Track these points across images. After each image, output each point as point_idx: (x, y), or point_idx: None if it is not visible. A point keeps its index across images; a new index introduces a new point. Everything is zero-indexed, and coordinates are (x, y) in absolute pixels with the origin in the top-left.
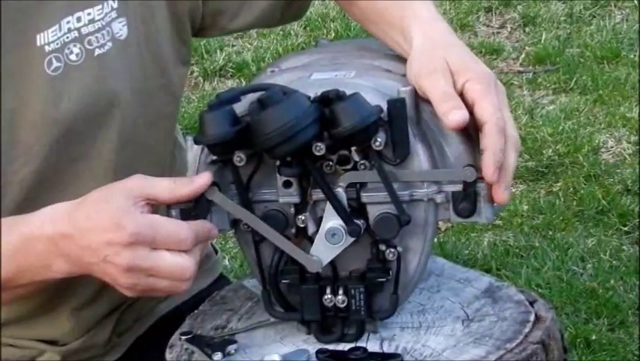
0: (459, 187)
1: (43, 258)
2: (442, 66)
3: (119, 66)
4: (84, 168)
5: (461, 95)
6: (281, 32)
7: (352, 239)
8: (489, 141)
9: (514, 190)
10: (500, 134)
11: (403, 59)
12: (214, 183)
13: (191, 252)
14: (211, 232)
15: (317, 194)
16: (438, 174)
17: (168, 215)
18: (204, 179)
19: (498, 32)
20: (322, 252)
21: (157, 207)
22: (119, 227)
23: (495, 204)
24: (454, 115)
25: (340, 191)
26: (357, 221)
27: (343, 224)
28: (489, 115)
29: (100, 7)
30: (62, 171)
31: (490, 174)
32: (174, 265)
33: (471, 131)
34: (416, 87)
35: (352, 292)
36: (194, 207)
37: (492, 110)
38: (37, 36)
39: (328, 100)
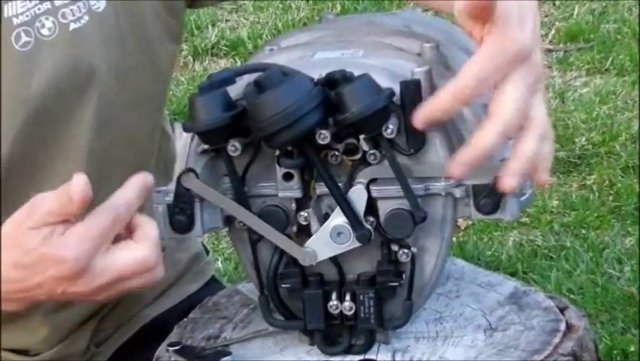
0: (482, 180)
1: None
2: None
3: (95, 41)
4: (56, 154)
5: None
6: (280, 6)
7: (359, 244)
8: (431, 100)
9: None
10: (451, 98)
11: (417, 36)
12: (190, 170)
13: (143, 237)
14: (146, 182)
15: (321, 188)
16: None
17: (154, 212)
18: (79, 181)
19: None
20: (320, 247)
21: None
22: (57, 262)
23: (521, 199)
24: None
25: (361, 188)
26: (368, 223)
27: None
28: (461, 74)
29: None
30: (33, 157)
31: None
32: (132, 264)
33: None
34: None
35: (361, 297)
36: (176, 202)
37: (469, 74)
38: (5, 6)
39: (334, 82)
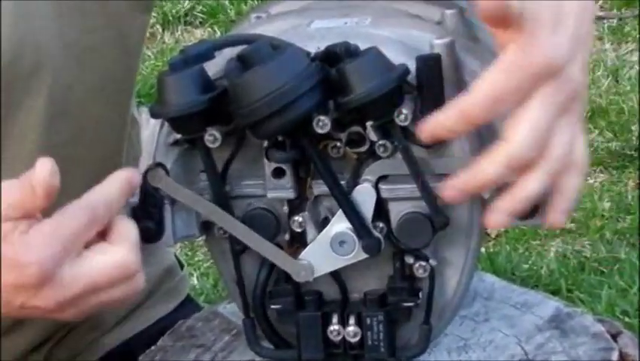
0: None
1: None
2: None
3: (47, 14)
4: (3, 150)
5: None
6: None
7: (366, 255)
8: (437, 115)
9: (591, 181)
10: (455, 116)
11: (436, 2)
12: (159, 165)
13: (120, 237)
14: (131, 180)
15: (319, 187)
16: None
17: None
18: (43, 169)
19: None
20: (319, 259)
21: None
22: (17, 266)
23: None
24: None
25: (368, 188)
26: (376, 231)
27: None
28: (470, 92)
29: None
30: None
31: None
32: (109, 269)
33: None
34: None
35: (368, 321)
36: (142, 204)
37: (479, 89)
38: None
39: (335, 57)
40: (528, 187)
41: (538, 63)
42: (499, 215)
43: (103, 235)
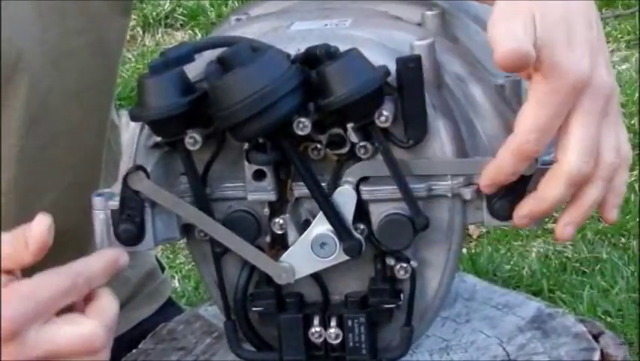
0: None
1: None
2: (525, 15)
3: (27, 17)
4: None
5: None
6: None
7: (347, 257)
8: (501, 153)
9: None
10: (517, 159)
11: (417, 3)
12: (139, 168)
13: (95, 312)
14: (118, 261)
15: (300, 189)
16: (474, 165)
17: (94, 220)
18: (41, 225)
19: None
20: (300, 261)
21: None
22: None
23: None
24: (507, 43)
25: (349, 189)
26: (356, 233)
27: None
28: (520, 129)
29: None
30: None
31: (481, 184)
32: (75, 340)
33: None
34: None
35: (349, 323)
36: (122, 207)
37: (528, 126)
38: None
39: (315, 59)
40: (590, 197)
41: (568, 84)
42: (570, 228)
43: (86, 302)
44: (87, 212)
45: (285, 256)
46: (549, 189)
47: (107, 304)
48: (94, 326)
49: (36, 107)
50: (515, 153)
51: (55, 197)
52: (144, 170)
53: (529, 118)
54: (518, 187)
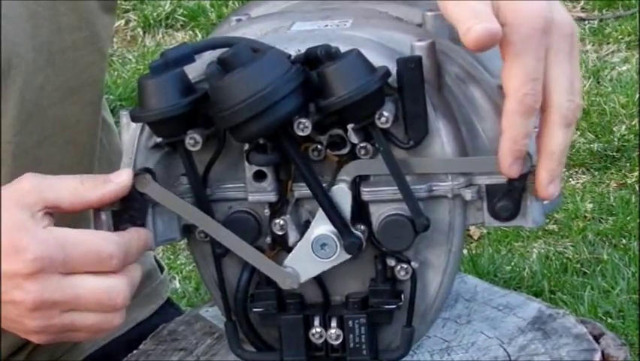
0: (499, 179)
1: None
2: None
3: (20, 15)
4: None
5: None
6: None
7: (348, 256)
8: (506, 123)
9: (573, 182)
10: (524, 116)
11: (417, 3)
12: (146, 170)
13: (123, 272)
14: (147, 242)
15: (300, 189)
16: (474, 163)
17: (95, 220)
18: (124, 177)
19: None
20: (302, 264)
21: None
22: (16, 251)
23: (545, 202)
24: (475, 30)
25: (344, 188)
26: (358, 232)
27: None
28: (513, 87)
29: None
30: None
31: (506, 168)
32: (99, 290)
33: None
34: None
35: (350, 324)
36: (125, 208)
37: (518, 79)
38: None
39: (315, 60)
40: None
41: (536, 25)
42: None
43: None
44: (81, 213)
45: (287, 261)
46: (553, 140)
47: (133, 267)
48: (118, 280)
49: (30, 104)
50: (519, 110)
51: None
52: (151, 172)
53: (517, 72)
54: (516, 187)
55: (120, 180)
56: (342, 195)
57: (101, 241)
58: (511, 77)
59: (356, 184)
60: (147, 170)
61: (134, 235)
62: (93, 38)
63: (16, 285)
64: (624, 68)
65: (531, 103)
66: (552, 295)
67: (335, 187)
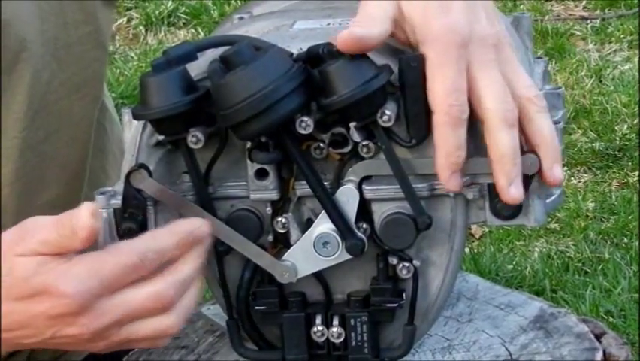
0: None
1: None
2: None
3: (28, 10)
4: None
5: None
6: None
7: (350, 256)
8: (437, 137)
9: (575, 181)
10: (453, 128)
11: None
12: (142, 166)
13: (165, 271)
14: (194, 233)
15: (302, 188)
16: (476, 164)
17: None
18: (87, 212)
19: None
20: (302, 260)
21: None
22: (53, 295)
23: (548, 200)
24: (352, 27)
25: (352, 189)
26: (359, 232)
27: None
28: (437, 101)
29: None
30: None
31: (446, 181)
32: (143, 298)
33: None
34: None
35: (352, 322)
36: (124, 206)
37: (441, 92)
38: None
39: (317, 58)
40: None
41: (451, 41)
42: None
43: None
44: None
45: (287, 255)
46: (500, 143)
47: (181, 265)
48: (162, 282)
49: (37, 99)
50: (448, 121)
51: (54, 193)
52: (147, 168)
53: (438, 86)
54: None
55: (83, 222)
56: (349, 195)
57: (122, 255)
58: (434, 92)
59: (359, 183)
60: (142, 166)
61: (187, 225)
62: (97, 33)
63: (68, 323)
64: (626, 67)
65: (457, 114)
66: (554, 294)
67: (342, 188)
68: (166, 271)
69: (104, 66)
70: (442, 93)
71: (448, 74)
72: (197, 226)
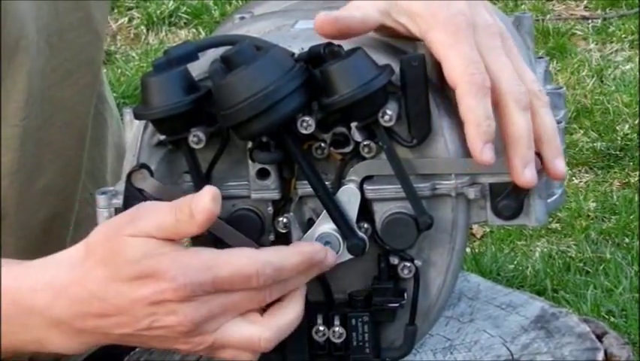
0: (502, 178)
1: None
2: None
3: None
4: None
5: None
6: None
7: (351, 256)
8: (463, 109)
9: (576, 181)
10: (480, 95)
11: None
12: (143, 166)
13: (273, 310)
14: (325, 259)
15: (303, 187)
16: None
17: (97, 217)
18: (209, 196)
19: None
20: None
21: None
22: (160, 279)
23: (550, 200)
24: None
25: (353, 189)
26: (360, 232)
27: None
28: (458, 73)
29: None
30: None
31: (478, 154)
32: (239, 339)
33: None
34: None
35: (353, 322)
36: (125, 205)
37: (460, 65)
38: None
39: (319, 58)
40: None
41: (459, 22)
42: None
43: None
44: (74, 198)
45: None
46: (516, 125)
47: (288, 311)
48: (265, 333)
49: (35, 87)
50: (472, 90)
51: (48, 181)
52: (148, 168)
53: (456, 60)
54: (520, 190)
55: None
56: (350, 195)
57: (242, 261)
58: (451, 67)
59: (361, 183)
60: (143, 166)
61: (285, 253)
62: (88, 19)
63: (169, 311)
64: (627, 67)
65: (480, 81)
66: (555, 294)
67: (344, 187)
68: (272, 316)
69: (99, 52)
70: (462, 65)
71: (463, 49)
72: (318, 250)
